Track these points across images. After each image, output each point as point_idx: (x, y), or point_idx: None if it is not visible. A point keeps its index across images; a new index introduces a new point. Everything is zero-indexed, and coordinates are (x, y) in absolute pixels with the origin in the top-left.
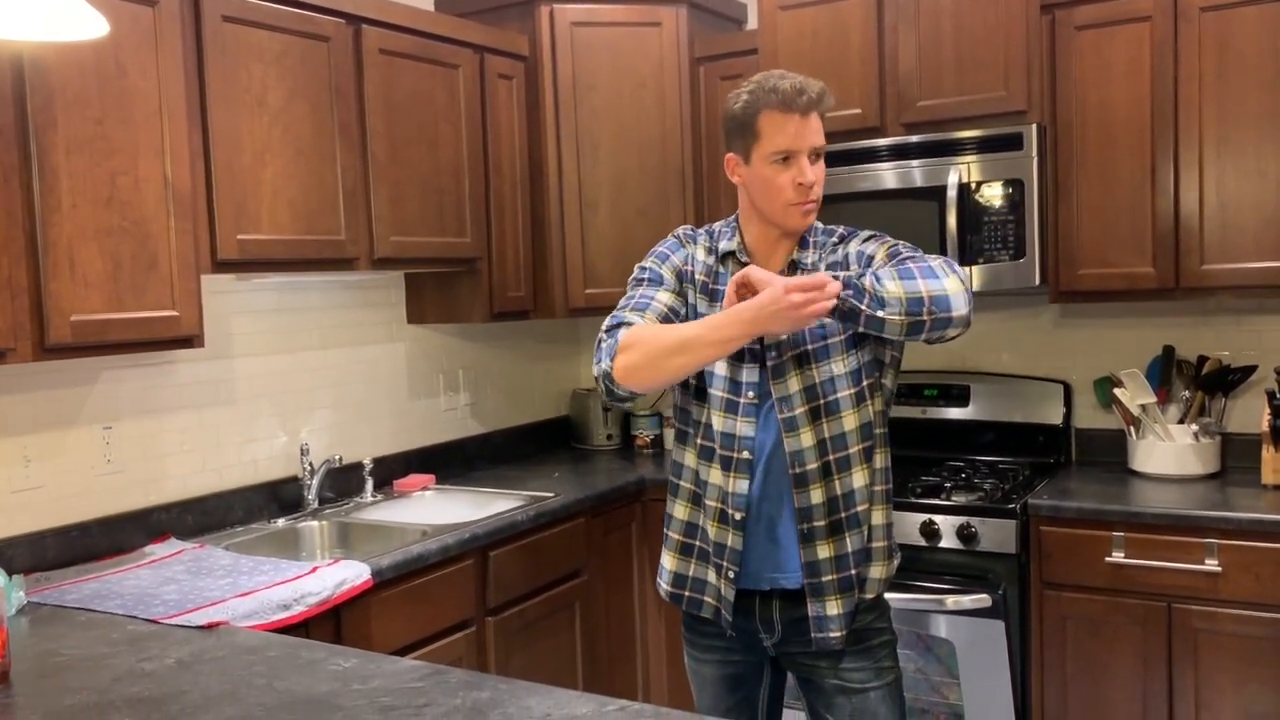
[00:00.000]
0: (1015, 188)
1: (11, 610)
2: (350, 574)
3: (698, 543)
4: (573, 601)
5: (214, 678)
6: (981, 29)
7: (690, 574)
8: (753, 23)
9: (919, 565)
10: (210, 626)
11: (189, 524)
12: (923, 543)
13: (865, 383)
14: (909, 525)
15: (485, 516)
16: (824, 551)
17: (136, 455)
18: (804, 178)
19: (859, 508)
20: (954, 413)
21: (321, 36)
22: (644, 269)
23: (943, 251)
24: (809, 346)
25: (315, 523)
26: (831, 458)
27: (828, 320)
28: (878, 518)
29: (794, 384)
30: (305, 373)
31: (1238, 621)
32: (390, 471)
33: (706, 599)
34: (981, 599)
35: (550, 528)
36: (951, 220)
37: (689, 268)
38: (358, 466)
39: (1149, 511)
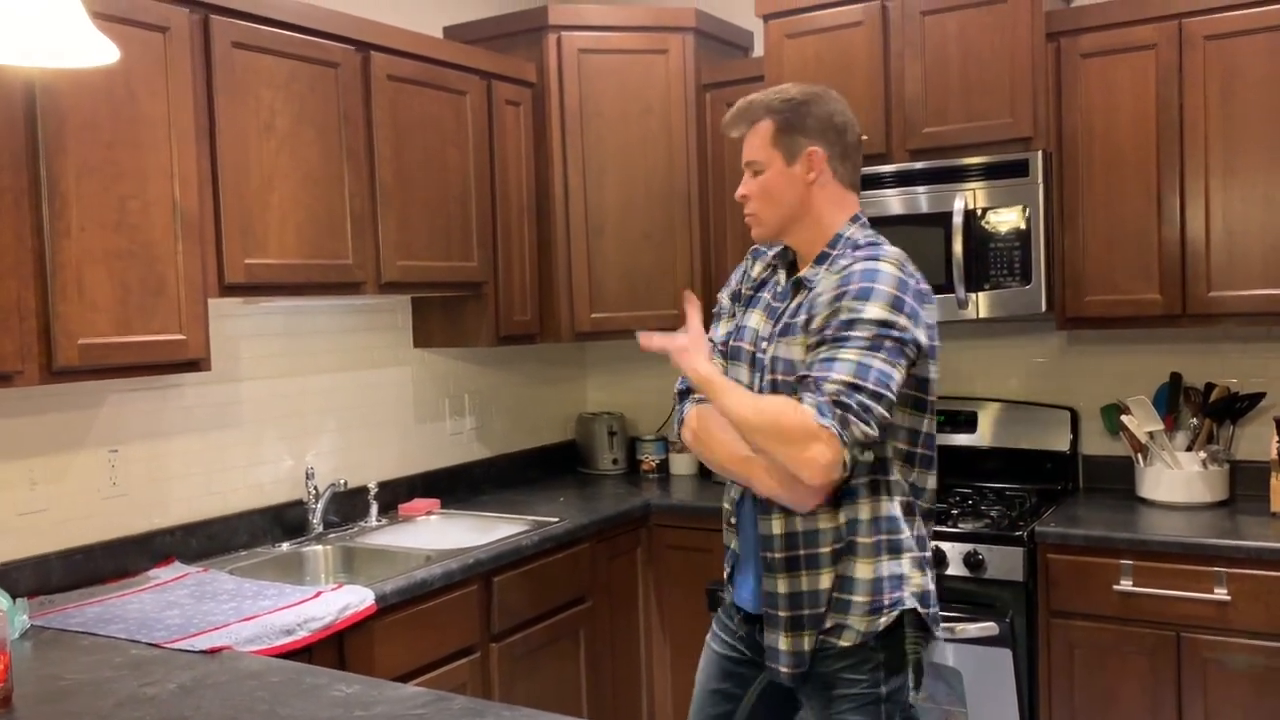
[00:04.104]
0: (1021, 214)
1: (15, 634)
2: (354, 599)
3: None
4: (577, 628)
5: (216, 703)
6: (988, 56)
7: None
8: (759, 50)
9: None
10: (213, 651)
11: (193, 548)
12: None
13: None
14: None
15: (489, 541)
16: (781, 585)
17: (142, 478)
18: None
19: (821, 549)
20: (960, 439)
21: (330, 63)
22: (719, 299)
23: (949, 277)
24: (778, 376)
25: (319, 547)
26: None
27: (779, 359)
28: (860, 570)
29: None
30: (311, 396)
31: (1247, 651)
32: (395, 496)
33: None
34: (989, 627)
35: (555, 553)
36: (958, 247)
37: (740, 286)
38: (363, 490)
39: (1157, 539)
